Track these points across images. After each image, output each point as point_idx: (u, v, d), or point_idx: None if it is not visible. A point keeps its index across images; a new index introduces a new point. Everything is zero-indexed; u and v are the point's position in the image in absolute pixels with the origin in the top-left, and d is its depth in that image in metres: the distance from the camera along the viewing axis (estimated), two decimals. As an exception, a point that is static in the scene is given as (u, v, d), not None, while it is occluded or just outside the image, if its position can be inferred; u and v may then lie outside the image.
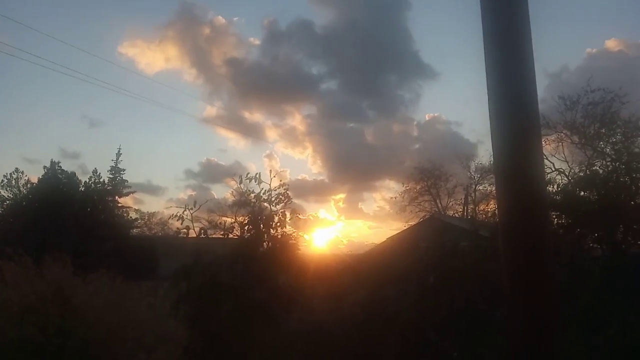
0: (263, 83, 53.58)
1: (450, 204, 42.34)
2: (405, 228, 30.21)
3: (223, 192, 58.76)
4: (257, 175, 11.09)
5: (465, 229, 15.41)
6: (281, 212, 10.87)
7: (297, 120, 63.38)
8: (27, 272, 8.35)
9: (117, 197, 31.00)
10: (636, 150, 18.58)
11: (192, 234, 10.82)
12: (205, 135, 71.65)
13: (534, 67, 2.71)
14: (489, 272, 8.87)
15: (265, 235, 10.77)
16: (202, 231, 10.85)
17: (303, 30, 57.60)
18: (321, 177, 64.22)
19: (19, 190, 30.20)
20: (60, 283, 8.17)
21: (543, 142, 19.48)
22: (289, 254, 10.73)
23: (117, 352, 7.87)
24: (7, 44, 46.23)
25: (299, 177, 58.34)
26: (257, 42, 67.04)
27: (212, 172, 56.50)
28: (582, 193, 16.78)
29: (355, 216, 62.16)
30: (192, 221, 10.72)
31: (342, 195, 64.26)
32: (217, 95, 63.98)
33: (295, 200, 11.54)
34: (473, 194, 40.02)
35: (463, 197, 40.45)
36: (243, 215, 11.04)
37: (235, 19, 69.82)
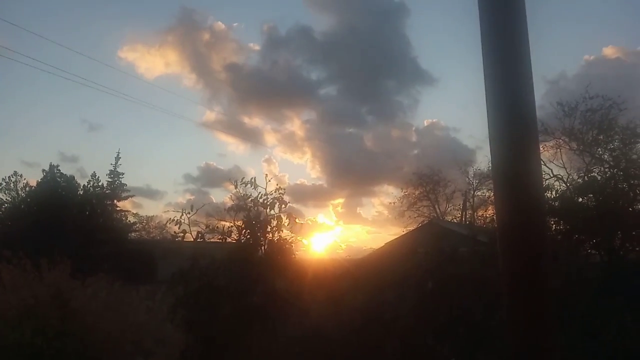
0: (262, 88, 53.92)
1: (449, 209, 42.54)
2: (403, 233, 30.33)
3: (222, 196, 58.78)
4: (253, 180, 11.11)
5: (463, 235, 15.47)
6: (277, 217, 10.88)
7: (296, 125, 63.59)
8: (26, 275, 8.34)
9: (115, 201, 31.05)
10: (634, 156, 18.66)
11: (190, 238, 10.80)
12: (205, 139, 72.13)
13: (532, 73, 2.74)
14: (487, 278, 8.88)
15: (262, 239, 10.77)
16: (200, 235, 10.84)
17: (302, 36, 58.07)
18: (320, 182, 64.56)
19: (18, 193, 30.20)
20: (59, 286, 8.16)
21: (541, 149, 19.56)
22: (285, 258, 10.72)
23: (115, 355, 7.87)
24: (7, 48, 46.30)
25: (298, 182, 58.62)
26: (257, 47, 67.59)
27: (211, 177, 56.75)
28: (580, 199, 16.81)
29: (353, 221, 62.38)
30: (189, 225, 10.72)
31: (340, 200, 64.34)
32: (216, 100, 64.15)
33: (294, 205, 11.59)
34: (471, 200, 40.14)
35: (461, 202, 40.56)
36: (241, 220, 11.03)
37: (235, 24, 70.44)
